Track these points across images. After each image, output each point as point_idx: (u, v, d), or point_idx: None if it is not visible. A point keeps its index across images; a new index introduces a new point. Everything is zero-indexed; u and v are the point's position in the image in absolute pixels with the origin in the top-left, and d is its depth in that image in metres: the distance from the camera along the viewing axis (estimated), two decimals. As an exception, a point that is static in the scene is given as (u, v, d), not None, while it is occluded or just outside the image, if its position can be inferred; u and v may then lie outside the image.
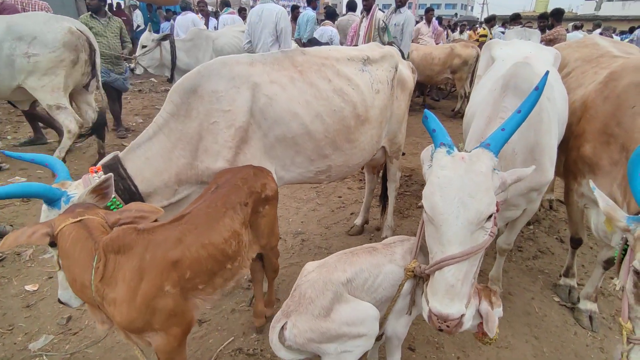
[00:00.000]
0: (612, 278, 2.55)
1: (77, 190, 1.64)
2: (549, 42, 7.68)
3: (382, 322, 1.62)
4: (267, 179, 1.85)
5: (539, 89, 1.43)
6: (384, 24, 5.16)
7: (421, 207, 1.40)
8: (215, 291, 1.57)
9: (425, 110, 1.51)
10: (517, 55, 2.35)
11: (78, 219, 1.35)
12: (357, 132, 2.33)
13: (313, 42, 5.31)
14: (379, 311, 1.56)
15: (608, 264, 2.39)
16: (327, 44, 5.87)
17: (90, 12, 4.95)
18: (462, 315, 1.29)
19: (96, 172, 1.83)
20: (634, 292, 1.45)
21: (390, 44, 5.00)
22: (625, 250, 1.71)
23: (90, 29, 4.49)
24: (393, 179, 3.10)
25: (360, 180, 4.41)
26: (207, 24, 8.41)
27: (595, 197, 1.65)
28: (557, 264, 3.12)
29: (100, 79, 4.28)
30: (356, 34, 6.17)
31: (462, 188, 1.28)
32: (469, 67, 7.56)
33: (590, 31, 11.52)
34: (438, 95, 9.91)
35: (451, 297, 1.27)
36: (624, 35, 8.15)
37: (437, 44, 9.31)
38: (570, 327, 2.47)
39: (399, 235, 1.81)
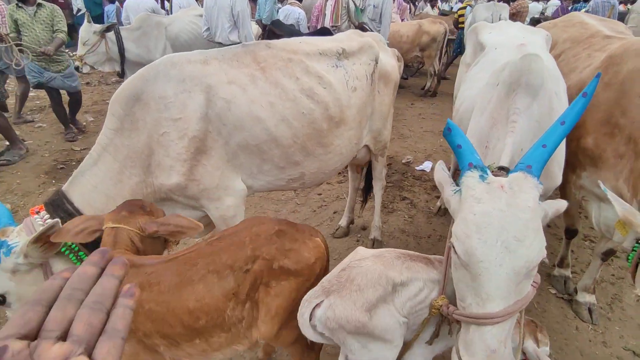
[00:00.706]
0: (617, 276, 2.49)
1: (18, 238, 1.43)
2: (513, 15, 7.63)
3: (403, 351, 1.42)
4: (298, 244, 1.37)
5: (587, 96, 1.21)
6: (353, 3, 4.80)
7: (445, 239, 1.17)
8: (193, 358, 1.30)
9: (449, 120, 1.25)
10: (510, 42, 2.13)
11: (115, 225, 1.38)
12: (331, 136, 2.07)
13: (276, 24, 4.86)
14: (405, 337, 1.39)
15: (607, 255, 2.33)
16: (292, 26, 5.44)
17: (17, 2, 4.22)
18: None
19: (38, 212, 1.57)
20: None
21: (361, 25, 4.67)
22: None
23: (15, 21, 3.85)
24: (379, 177, 2.87)
25: (340, 174, 4.16)
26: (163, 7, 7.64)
27: (608, 197, 1.50)
28: (550, 253, 3.05)
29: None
30: (321, 13, 5.78)
31: (506, 228, 1.03)
32: (437, 44, 7.38)
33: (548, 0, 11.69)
34: (406, 73, 9.72)
35: None
36: (580, 4, 8.21)
37: (402, 20, 9.05)
38: (571, 322, 2.41)
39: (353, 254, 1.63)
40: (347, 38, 2.34)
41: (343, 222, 3.16)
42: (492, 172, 1.23)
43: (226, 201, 1.90)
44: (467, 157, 1.20)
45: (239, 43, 2.72)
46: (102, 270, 0.43)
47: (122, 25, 5.07)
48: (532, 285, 1.13)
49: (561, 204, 1.24)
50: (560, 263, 2.71)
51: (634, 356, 2.19)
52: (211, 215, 1.93)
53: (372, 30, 4.50)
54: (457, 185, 1.24)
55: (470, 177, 1.15)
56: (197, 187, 1.81)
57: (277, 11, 6.23)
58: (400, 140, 5.29)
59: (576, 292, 2.53)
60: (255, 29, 6.67)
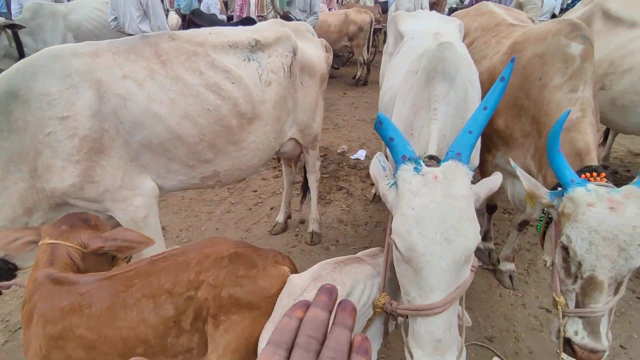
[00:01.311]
0: (531, 245, 2.75)
1: None
2: (433, 5, 8.04)
3: None
4: (256, 271, 1.20)
5: (505, 80, 1.24)
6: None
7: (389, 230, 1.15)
8: None
9: (380, 114, 1.22)
10: (426, 30, 2.20)
11: (52, 241, 1.29)
12: (244, 132, 2.00)
13: (197, 14, 4.57)
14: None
15: (522, 226, 2.56)
16: (214, 16, 5.17)
17: None
18: None
19: None
20: (564, 267, 1.47)
21: (286, 14, 4.56)
22: (546, 222, 1.76)
23: None
24: (312, 170, 2.85)
25: (275, 168, 4.08)
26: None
27: (517, 174, 1.64)
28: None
29: None
30: (246, 2, 5.57)
31: (444, 220, 1.03)
32: (364, 33, 7.54)
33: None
34: (337, 63, 9.82)
35: (441, 352, 1.05)
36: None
37: (329, 9, 9.09)
38: (495, 290, 2.62)
39: (376, 247, 1.60)
40: (266, 28, 2.25)
41: (280, 218, 3.10)
42: (425, 162, 1.24)
43: (134, 202, 1.77)
44: (400, 149, 1.18)
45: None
46: (330, 312, 0.43)
47: (14, 17, 4.40)
48: (470, 270, 1.17)
49: (495, 183, 1.29)
50: (484, 237, 2.93)
51: (547, 313, 2.44)
52: (119, 219, 1.78)
53: (297, 20, 4.42)
54: (393, 177, 1.23)
55: (405, 171, 1.14)
56: (96, 189, 1.67)
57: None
58: (334, 130, 5.34)
59: (499, 262, 2.76)
60: (175, 18, 6.24)
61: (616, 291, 1.37)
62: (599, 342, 1.35)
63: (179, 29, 5.19)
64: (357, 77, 8.04)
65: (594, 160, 1.67)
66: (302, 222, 3.22)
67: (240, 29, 2.20)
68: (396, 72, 2.11)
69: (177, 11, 5.13)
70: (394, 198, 1.18)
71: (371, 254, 1.47)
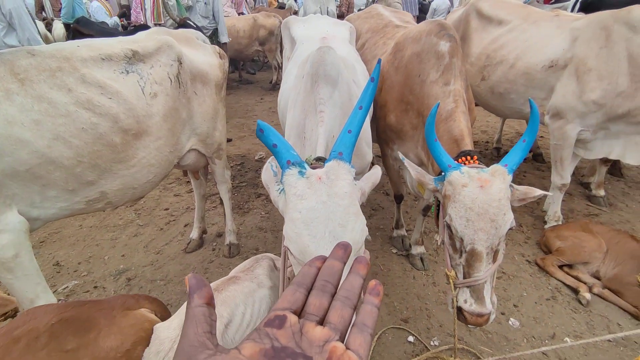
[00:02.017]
0: (435, 232, 2.97)
1: None
2: (340, 7, 8.35)
3: None
4: (94, 335, 1.00)
5: (374, 80, 1.31)
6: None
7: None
8: None
9: (259, 121, 1.20)
10: (315, 35, 2.27)
11: None
12: (132, 149, 1.89)
13: (83, 23, 4.17)
14: None
15: (426, 211, 2.75)
16: (104, 24, 4.76)
17: None
18: None
19: None
20: (451, 243, 1.62)
21: (183, 21, 4.37)
22: (437, 205, 1.91)
23: None
24: (222, 180, 2.77)
25: (188, 182, 3.89)
26: None
27: (405, 165, 1.77)
28: (389, 217, 3.47)
29: None
30: (142, 9, 5.23)
31: (330, 218, 1.05)
32: (275, 37, 7.56)
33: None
34: (253, 68, 9.73)
35: None
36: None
37: (239, 13, 8.95)
38: (409, 274, 2.79)
39: (250, 258, 1.58)
40: (145, 38, 2.13)
41: (194, 234, 2.96)
42: (311, 164, 1.27)
43: None
44: (284, 155, 1.18)
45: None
46: (344, 263, 0.50)
47: None
48: None
49: (376, 176, 1.37)
50: (396, 225, 3.11)
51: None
52: None
53: (195, 26, 4.27)
54: (281, 182, 1.23)
55: (290, 175, 1.14)
56: None
57: (86, 7, 5.38)
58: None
59: (410, 246, 2.95)
60: (61, 29, 5.65)
61: (494, 259, 1.53)
62: (483, 307, 1.51)
63: (66, 40, 4.69)
64: (273, 81, 8.03)
65: (468, 145, 1.86)
66: (220, 235, 3.11)
67: (115, 39, 2.05)
68: (288, 77, 2.14)
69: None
70: (284, 204, 1.19)
71: (246, 268, 1.45)
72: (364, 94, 1.33)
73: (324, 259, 0.51)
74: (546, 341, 2.22)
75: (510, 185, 1.55)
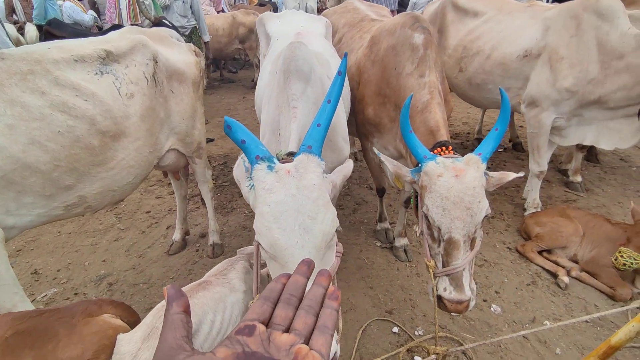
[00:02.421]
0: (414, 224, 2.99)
1: None
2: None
3: None
4: (52, 345, 0.94)
5: (342, 74, 1.31)
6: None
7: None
8: None
9: (227, 118, 1.19)
10: (290, 31, 2.25)
11: None
12: (110, 151, 1.86)
13: (55, 24, 4.05)
14: None
15: (407, 203, 2.78)
16: (77, 25, 4.64)
17: None
18: None
19: None
20: (429, 233, 1.64)
21: (158, 21, 4.30)
22: (415, 196, 1.93)
23: None
24: (203, 179, 2.74)
25: (170, 184, 3.84)
26: None
27: (381, 159, 1.78)
28: (373, 211, 3.49)
29: None
30: (116, 9, 5.12)
31: (300, 211, 1.06)
32: (255, 34, 7.48)
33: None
34: (235, 66, 9.64)
35: None
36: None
37: (218, 12, 8.84)
38: (393, 265, 2.81)
39: (225, 260, 1.57)
40: (118, 38, 2.08)
41: (177, 236, 2.92)
42: (282, 159, 1.27)
43: None
44: (253, 150, 1.18)
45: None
46: (307, 278, 0.55)
47: None
48: (336, 256, 1.21)
49: (347, 169, 1.38)
50: (380, 218, 3.13)
51: (440, 277, 2.70)
52: None
53: (171, 25, 4.19)
54: (250, 178, 1.23)
55: (259, 170, 1.14)
56: None
57: (59, 8, 5.23)
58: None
59: (394, 239, 2.97)
60: (33, 31, 5.50)
61: (472, 246, 1.56)
62: (463, 294, 1.53)
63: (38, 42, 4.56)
64: (255, 79, 7.97)
65: (444, 136, 1.88)
66: (203, 235, 3.08)
67: (86, 40, 2.00)
68: (264, 74, 2.12)
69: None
70: (254, 199, 1.19)
71: (219, 271, 1.43)
72: (332, 88, 1.33)
73: (288, 276, 0.55)
74: (527, 325, 2.27)
75: (485, 173, 1.58)
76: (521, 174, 1.62)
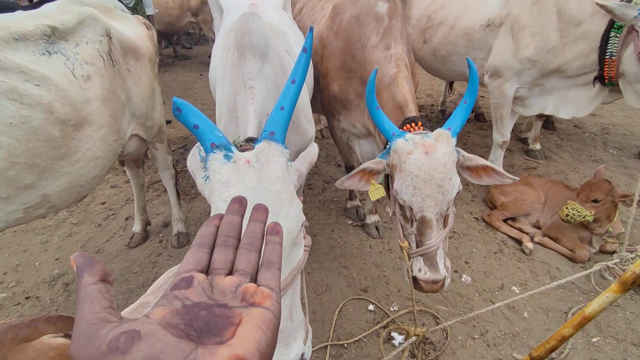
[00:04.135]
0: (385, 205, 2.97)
1: None
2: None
3: None
4: None
5: (307, 51, 1.18)
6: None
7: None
8: None
9: (174, 99, 1.04)
10: (243, 1, 2.06)
11: None
12: (74, 142, 1.66)
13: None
14: None
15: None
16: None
17: None
18: None
19: None
20: (402, 214, 1.60)
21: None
22: (387, 178, 1.88)
23: None
24: (165, 166, 2.56)
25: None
26: None
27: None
28: (342, 189, 3.44)
29: None
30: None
31: None
32: (209, 6, 7.02)
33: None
34: (189, 41, 9.07)
35: (286, 342, 1.02)
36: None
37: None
38: (365, 243, 2.81)
39: (165, 273, 1.43)
40: (59, 12, 1.81)
41: (137, 227, 2.74)
42: (240, 146, 1.16)
43: None
44: (208, 136, 1.05)
45: None
46: (242, 216, 0.51)
47: None
48: (304, 250, 1.13)
49: (312, 155, 1.28)
50: (350, 196, 3.09)
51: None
52: None
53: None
54: (205, 168, 1.10)
55: (214, 160, 1.01)
56: None
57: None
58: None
59: (365, 216, 2.96)
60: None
61: (445, 224, 1.53)
62: (437, 273, 1.52)
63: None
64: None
65: (412, 111, 1.81)
66: (166, 225, 2.92)
67: (21, 14, 1.72)
68: (216, 49, 1.95)
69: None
70: (209, 192, 1.07)
71: (159, 288, 1.25)
72: (296, 67, 1.22)
73: (221, 217, 0.50)
74: (495, 292, 2.34)
75: (457, 151, 1.54)
76: (488, 163, 1.57)
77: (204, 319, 0.37)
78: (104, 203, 3.19)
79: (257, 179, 0.99)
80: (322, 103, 2.45)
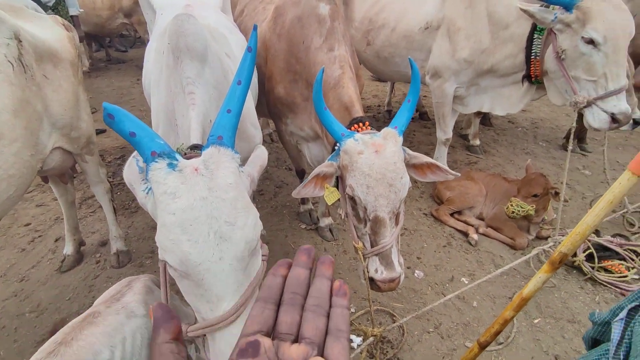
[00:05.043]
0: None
1: None
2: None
3: None
4: None
5: (252, 50, 1.11)
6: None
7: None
8: None
9: (105, 104, 0.92)
10: (177, 2, 1.93)
11: None
12: None
13: None
14: None
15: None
16: None
17: None
18: None
19: None
20: (354, 214, 1.59)
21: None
22: (337, 179, 1.86)
23: None
24: (97, 180, 2.34)
25: (55, 186, 3.24)
26: None
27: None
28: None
29: None
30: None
31: (214, 216, 0.89)
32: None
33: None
34: (124, 44, 8.51)
35: None
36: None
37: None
38: (320, 246, 2.78)
39: (120, 282, 1.32)
40: None
41: (68, 249, 2.47)
42: (185, 154, 1.07)
43: None
44: (147, 144, 0.94)
45: None
46: (310, 269, 0.48)
47: None
48: (262, 260, 1.07)
49: (262, 158, 1.22)
50: (302, 200, 3.05)
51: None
52: None
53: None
54: (146, 180, 0.99)
55: (157, 170, 0.92)
56: None
57: None
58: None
59: (318, 219, 2.93)
60: None
61: (397, 222, 1.54)
62: (393, 271, 1.52)
63: None
64: (150, 58, 7.13)
65: (358, 111, 1.82)
66: (104, 244, 2.67)
67: None
68: (149, 52, 1.81)
69: None
70: (154, 206, 0.97)
71: (111, 296, 1.21)
72: (241, 67, 1.15)
73: (287, 265, 0.49)
74: (446, 285, 2.43)
75: (404, 149, 1.56)
76: (432, 160, 1.61)
77: None
78: (28, 224, 2.84)
79: (207, 187, 0.92)
80: (269, 107, 2.38)
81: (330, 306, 0.45)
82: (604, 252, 2.51)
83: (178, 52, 1.32)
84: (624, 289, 2.34)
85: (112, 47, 8.03)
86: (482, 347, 1.17)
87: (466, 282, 2.44)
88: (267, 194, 3.37)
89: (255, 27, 1.21)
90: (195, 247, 0.88)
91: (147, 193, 1.00)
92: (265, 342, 0.40)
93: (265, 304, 0.44)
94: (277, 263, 0.48)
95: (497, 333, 1.12)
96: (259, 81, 2.30)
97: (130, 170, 1.06)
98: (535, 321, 2.19)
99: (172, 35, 1.33)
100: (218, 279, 0.90)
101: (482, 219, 2.95)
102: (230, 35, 1.87)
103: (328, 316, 0.44)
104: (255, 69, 2.21)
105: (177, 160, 0.95)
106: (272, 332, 0.42)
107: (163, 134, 1.45)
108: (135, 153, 1.06)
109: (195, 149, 1.16)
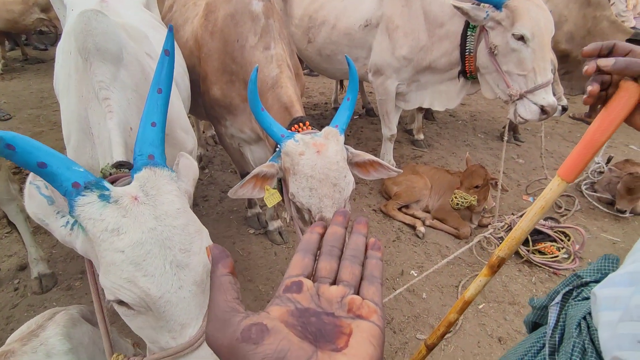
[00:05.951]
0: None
1: None
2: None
3: None
4: None
5: (170, 53, 1.03)
6: None
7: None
8: None
9: (1, 134, 0.74)
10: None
11: None
12: None
13: None
14: None
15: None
16: None
17: None
18: None
19: None
20: (299, 217, 1.55)
21: None
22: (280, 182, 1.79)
23: None
24: (8, 197, 2.08)
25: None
26: None
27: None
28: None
29: None
30: None
31: (167, 246, 0.83)
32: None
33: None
34: (43, 42, 7.71)
35: None
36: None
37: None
38: (270, 251, 2.69)
39: (40, 315, 1.16)
40: None
41: (-22, 278, 2.17)
42: (110, 175, 0.97)
43: None
44: (64, 175, 0.79)
45: None
46: (346, 228, 0.53)
47: None
48: None
49: (192, 170, 1.11)
50: (249, 204, 2.94)
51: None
52: None
53: None
54: (71, 216, 0.83)
55: (87, 205, 0.79)
56: None
57: None
58: (53, 132, 4.19)
59: (267, 223, 2.84)
60: None
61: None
62: None
63: None
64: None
65: (298, 111, 1.76)
66: (23, 268, 2.37)
67: None
68: (58, 53, 1.61)
69: None
70: (87, 244, 0.84)
71: (30, 333, 1.07)
72: (158, 73, 1.04)
73: (323, 226, 0.53)
74: (397, 279, 2.46)
75: (346, 148, 1.53)
76: (373, 157, 1.58)
77: (315, 324, 0.39)
78: None
79: (153, 216, 0.83)
80: (206, 109, 2.25)
81: (367, 258, 0.49)
82: (538, 235, 2.69)
83: (86, 53, 1.17)
84: (556, 269, 2.52)
85: (30, 46, 7.25)
86: (430, 348, 1.18)
87: (415, 274, 2.49)
88: (212, 200, 3.21)
89: (170, 28, 1.09)
90: (153, 281, 0.81)
91: (72, 229, 0.84)
92: (307, 282, 0.44)
93: (305, 254, 0.48)
94: (313, 224, 0.52)
95: (443, 335, 1.13)
96: (194, 81, 2.15)
97: (35, 203, 0.84)
98: (480, 307, 2.29)
99: (78, 35, 1.17)
100: (180, 307, 0.85)
101: (428, 212, 3.04)
102: (154, 33, 1.72)
103: (363, 266, 0.48)
104: (186, 70, 2.07)
105: (107, 190, 0.82)
106: (312, 277, 0.46)
107: (77, 144, 1.28)
108: (31, 178, 0.85)
109: (121, 167, 1.04)
